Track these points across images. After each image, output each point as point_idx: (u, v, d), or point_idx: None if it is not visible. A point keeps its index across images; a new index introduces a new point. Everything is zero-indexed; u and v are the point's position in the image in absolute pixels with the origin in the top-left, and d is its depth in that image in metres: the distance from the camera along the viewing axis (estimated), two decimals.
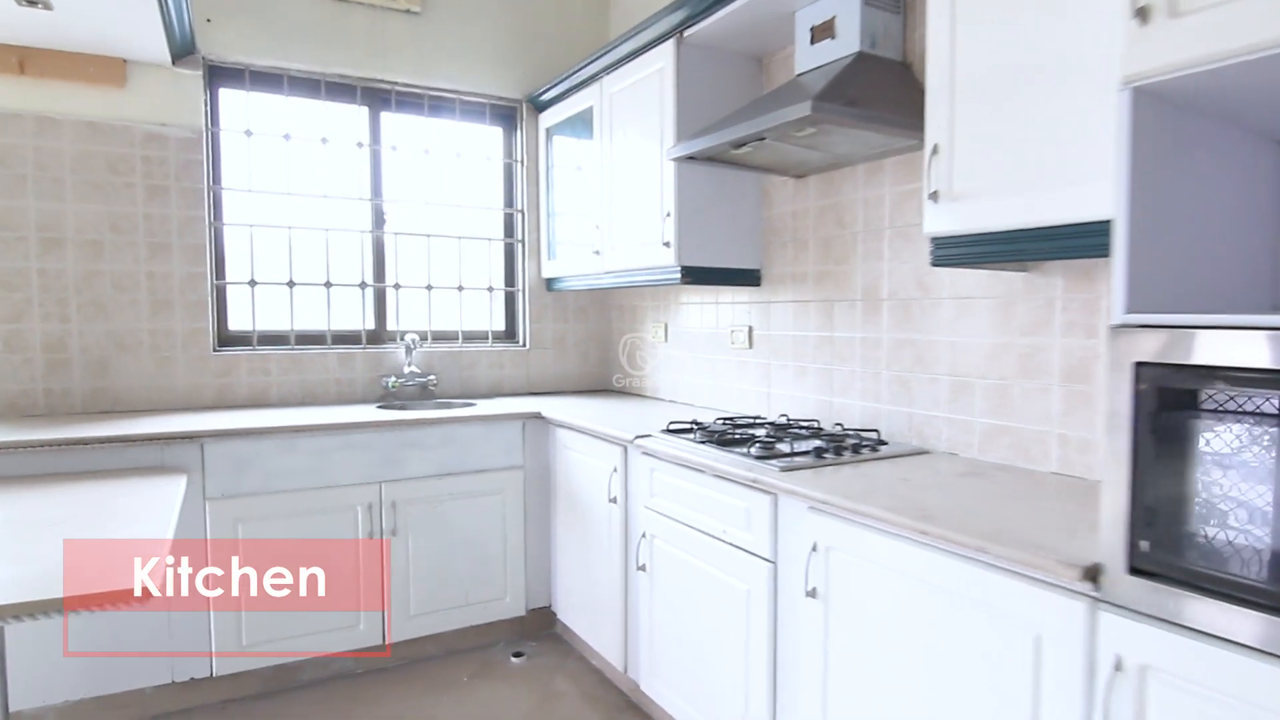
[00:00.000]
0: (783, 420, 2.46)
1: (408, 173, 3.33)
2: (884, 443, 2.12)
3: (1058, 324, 1.79)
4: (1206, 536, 1.02)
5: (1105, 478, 1.12)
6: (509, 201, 3.57)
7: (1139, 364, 1.06)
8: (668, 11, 2.48)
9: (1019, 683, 1.24)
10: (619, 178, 2.87)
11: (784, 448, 2.03)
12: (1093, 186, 1.30)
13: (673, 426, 2.35)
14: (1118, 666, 1.10)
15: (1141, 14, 1.05)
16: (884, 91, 1.95)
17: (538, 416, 2.93)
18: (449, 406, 3.14)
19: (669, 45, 2.53)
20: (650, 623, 2.30)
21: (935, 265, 1.68)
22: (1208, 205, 1.20)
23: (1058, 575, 1.17)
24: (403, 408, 3.08)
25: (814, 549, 1.65)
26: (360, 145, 3.21)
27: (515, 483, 2.91)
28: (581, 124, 3.19)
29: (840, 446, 2.00)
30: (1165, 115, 1.10)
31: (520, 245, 3.57)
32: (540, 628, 3.05)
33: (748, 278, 2.71)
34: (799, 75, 2.22)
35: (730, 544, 1.94)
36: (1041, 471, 1.82)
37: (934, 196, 1.63)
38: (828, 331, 2.46)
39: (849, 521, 1.56)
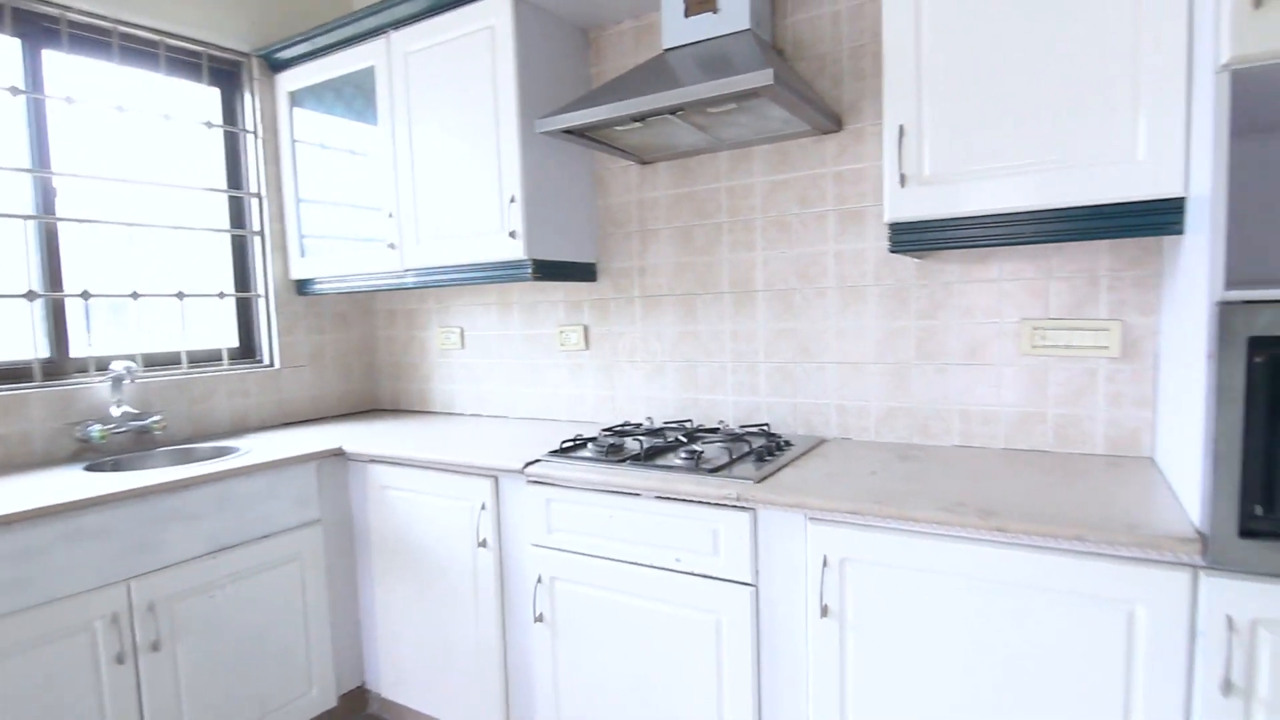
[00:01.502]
0: (653, 424, 2.17)
1: (93, 138, 2.19)
2: (778, 435, 1.96)
3: (955, 307, 1.81)
4: None
5: (1205, 449, 1.08)
6: (235, 183, 2.60)
7: (1253, 338, 1.03)
8: None
9: (1111, 661, 1.16)
10: (426, 157, 2.24)
11: (714, 454, 1.74)
12: (1144, 166, 1.26)
13: (564, 445, 1.89)
14: (1230, 626, 1.07)
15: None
16: (791, 74, 1.77)
17: (338, 454, 2.17)
18: (192, 456, 2.16)
19: (504, 8, 2.02)
20: (555, 683, 1.82)
21: (896, 252, 1.54)
22: None
23: (1163, 551, 1.10)
24: (116, 466, 2.04)
25: (825, 563, 1.40)
26: (14, 92, 2.01)
27: (314, 542, 2.11)
28: (351, 89, 2.44)
29: (766, 447, 1.78)
30: (1246, 97, 1.08)
31: (258, 239, 2.63)
32: (353, 712, 2.28)
33: (584, 272, 2.33)
34: (670, 50, 1.92)
35: (688, 573, 1.59)
36: (946, 446, 1.83)
37: (902, 181, 1.49)
38: (690, 326, 2.21)
39: (872, 529, 1.35)
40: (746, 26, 1.81)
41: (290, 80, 2.55)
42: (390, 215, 2.33)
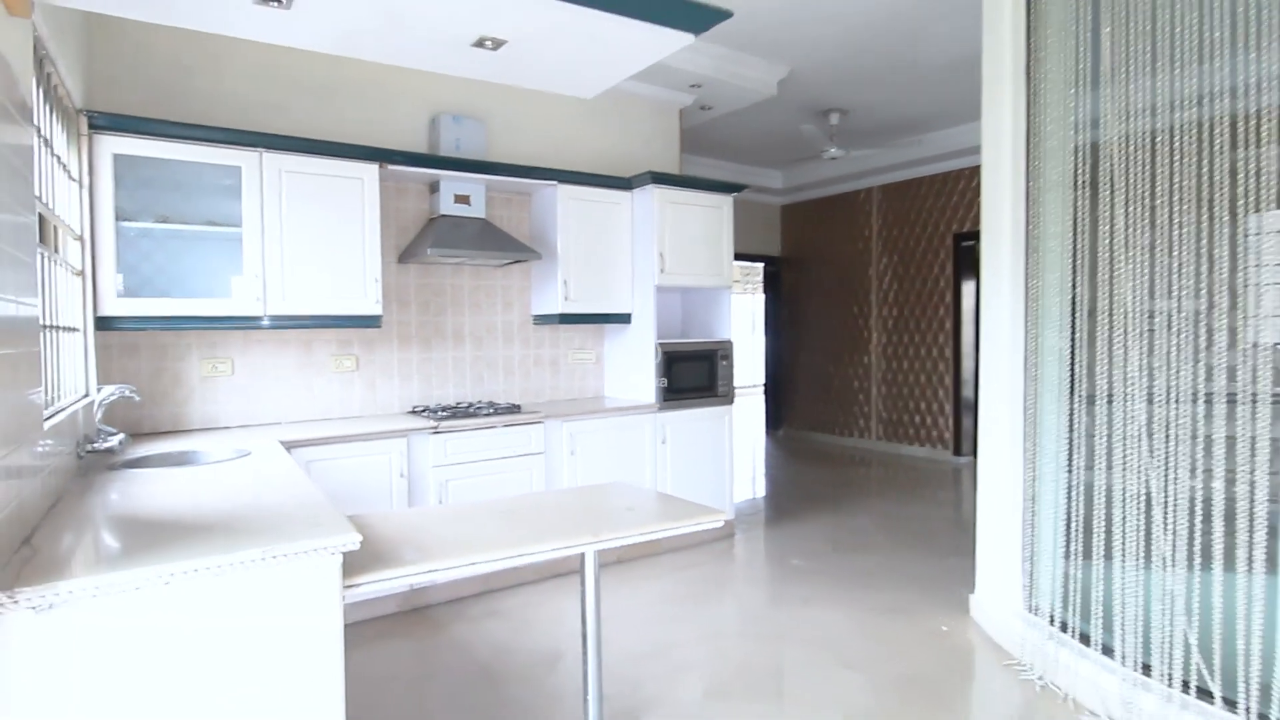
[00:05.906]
0: (431, 404, 3.92)
1: None
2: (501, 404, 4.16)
3: (548, 346, 4.47)
4: (674, 381, 4.31)
5: (653, 380, 4.22)
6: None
7: (664, 351, 4.23)
8: (369, 150, 3.48)
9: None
10: (296, 243, 3.30)
11: (501, 408, 3.87)
12: (624, 301, 4.27)
13: (438, 416, 3.57)
14: (664, 426, 4.24)
15: (661, 267, 4.20)
16: None
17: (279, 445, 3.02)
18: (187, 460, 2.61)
19: (373, 172, 3.48)
20: None
21: (560, 323, 4.12)
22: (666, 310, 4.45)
23: (658, 409, 4.18)
24: None
25: (570, 436, 3.89)
26: None
27: None
28: (192, 172, 3.12)
29: (511, 406, 4.02)
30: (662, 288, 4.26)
31: (76, 274, 2.78)
32: None
33: (374, 322, 3.79)
34: (444, 215, 3.88)
35: (519, 455, 3.74)
36: (544, 400, 4.46)
37: (565, 298, 4.10)
38: (428, 354, 4.06)
39: (585, 420, 3.94)
40: (484, 216, 4.01)
41: (120, 145, 2.91)
42: (256, 276, 3.21)
